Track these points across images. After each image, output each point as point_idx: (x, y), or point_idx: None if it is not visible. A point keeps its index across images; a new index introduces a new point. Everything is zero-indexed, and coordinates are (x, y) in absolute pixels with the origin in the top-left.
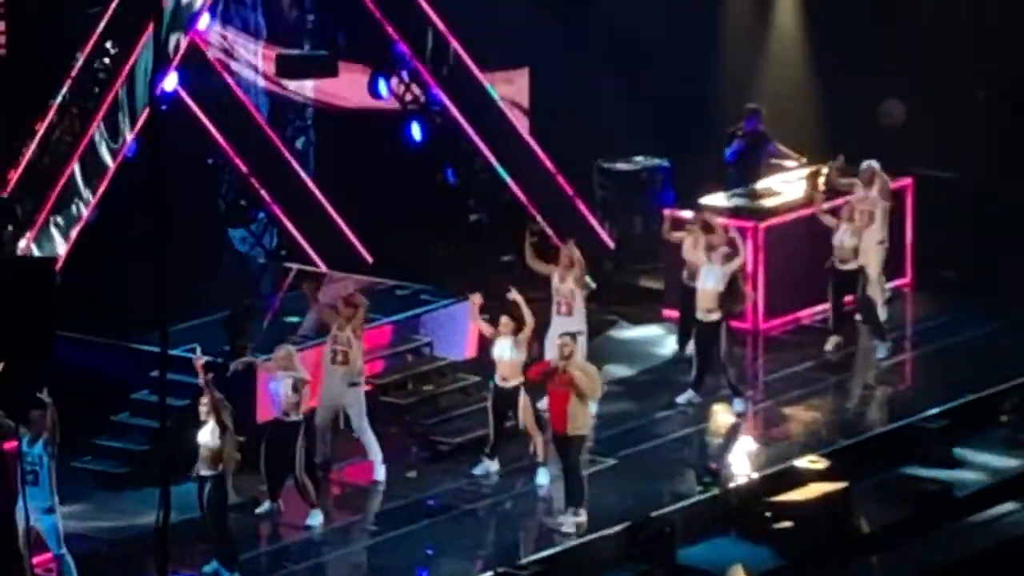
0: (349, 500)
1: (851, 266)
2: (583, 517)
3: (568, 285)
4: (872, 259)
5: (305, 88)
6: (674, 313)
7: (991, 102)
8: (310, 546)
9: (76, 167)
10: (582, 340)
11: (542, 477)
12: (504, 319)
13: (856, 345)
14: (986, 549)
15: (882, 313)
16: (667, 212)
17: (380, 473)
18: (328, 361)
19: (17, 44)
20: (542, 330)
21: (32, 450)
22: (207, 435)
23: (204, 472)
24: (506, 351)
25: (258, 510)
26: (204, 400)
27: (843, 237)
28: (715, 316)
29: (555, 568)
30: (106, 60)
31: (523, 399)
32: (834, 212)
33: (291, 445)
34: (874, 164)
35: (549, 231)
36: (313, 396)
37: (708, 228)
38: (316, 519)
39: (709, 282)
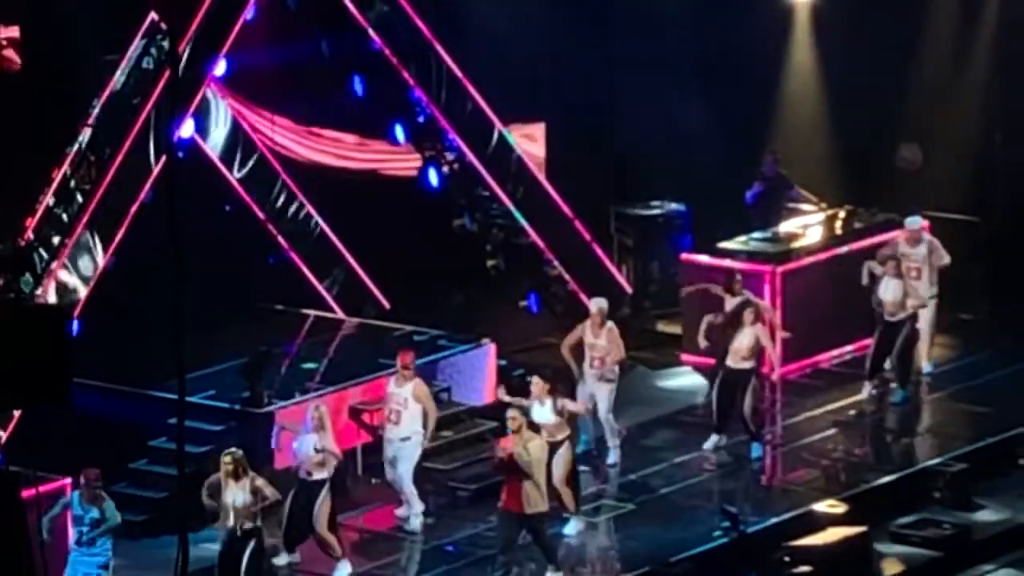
0: (367, 546)
1: (900, 317)
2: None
3: (602, 341)
4: (925, 314)
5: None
6: (692, 358)
7: (1009, 145)
8: None
9: (92, 215)
10: (612, 387)
11: (570, 528)
12: (536, 380)
13: (878, 390)
14: None
15: (924, 366)
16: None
17: (415, 524)
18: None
19: (34, 91)
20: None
21: (88, 514)
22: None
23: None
24: (546, 415)
25: (276, 560)
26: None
27: (890, 290)
28: (748, 365)
29: None
30: (123, 107)
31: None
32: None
33: (313, 503)
34: (923, 222)
35: (567, 278)
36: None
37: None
38: (344, 571)
39: (745, 340)
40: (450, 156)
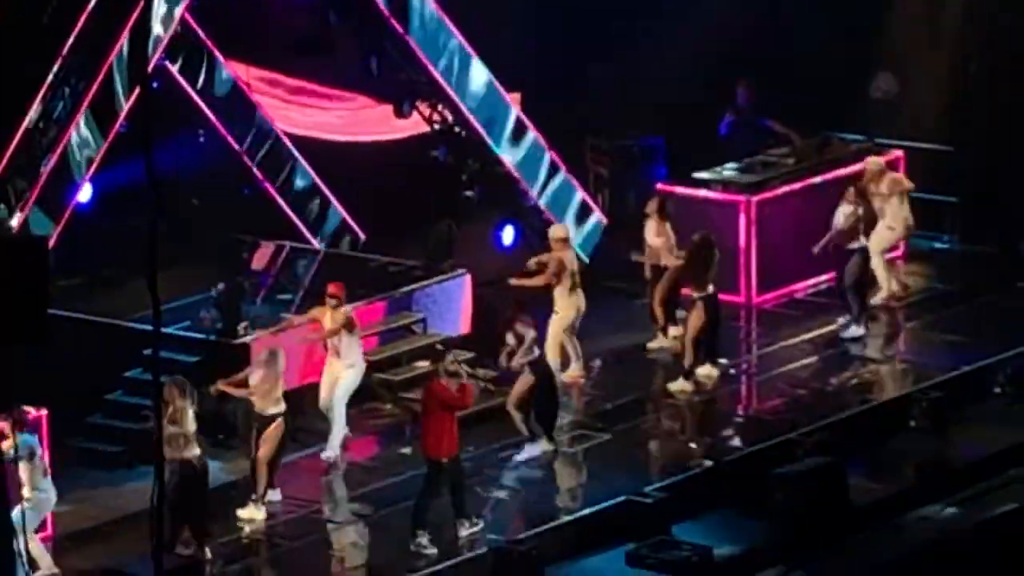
0: (346, 477)
1: (852, 246)
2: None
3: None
4: (876, 241)
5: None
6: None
7: (984, 75)
8: (305, 523)
9: (67, 145)
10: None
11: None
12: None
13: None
14: (982, 520)
15: (875, 295)
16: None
17: (330, 452)
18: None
19: (8, 20)
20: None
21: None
22: None
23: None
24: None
25: (269, 497)
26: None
27: (843, 218)
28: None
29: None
30: (97, 38)
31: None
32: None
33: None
34: (880, 162)
35: (543, 208)
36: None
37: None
38: (259, 514)
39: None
40: (425, 87)
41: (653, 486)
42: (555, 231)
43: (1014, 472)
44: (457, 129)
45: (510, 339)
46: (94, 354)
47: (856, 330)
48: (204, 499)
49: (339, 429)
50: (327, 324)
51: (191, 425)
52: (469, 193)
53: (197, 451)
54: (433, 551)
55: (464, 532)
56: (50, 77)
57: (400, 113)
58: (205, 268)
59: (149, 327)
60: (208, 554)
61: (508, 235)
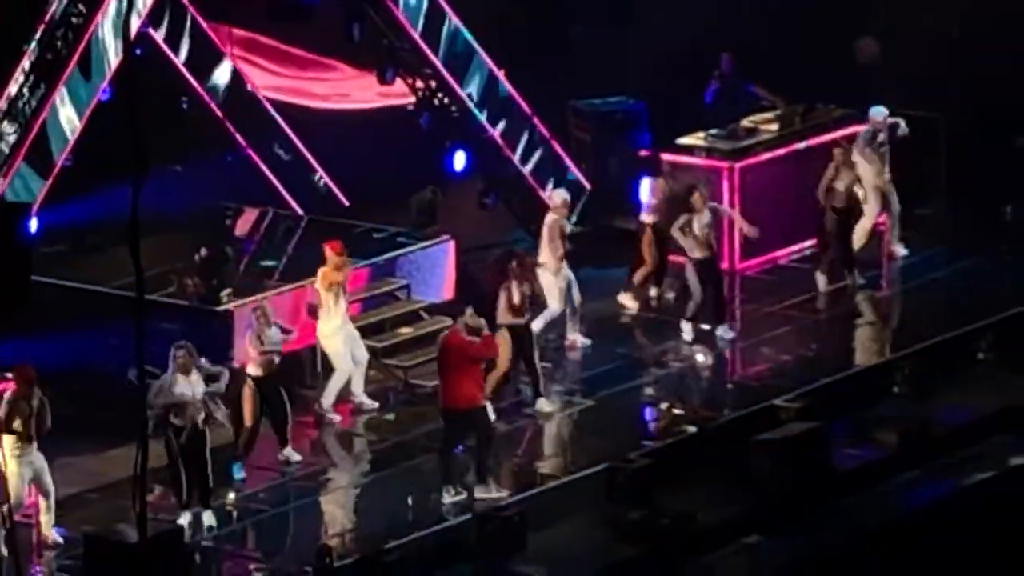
0: (330, 442)
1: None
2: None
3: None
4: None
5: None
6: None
7: (967, 40)
8: (290, 488)
9: (51, 111)
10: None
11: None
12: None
13: (835, 285)
14: (963, 487)
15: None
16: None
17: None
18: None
19: None
20: None
21: None
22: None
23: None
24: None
25: (285, 457)
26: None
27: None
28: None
29: (526, 511)
30: (80, 4)
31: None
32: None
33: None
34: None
35: (526, 174)
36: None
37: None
38: (239, 474)
39: (699, 226)
40: (406, 54)
41: (637, 452)
42: (558, 195)
43: (997, 439)
44: (441, 96)
45: (525, 290)
46: (77, 321)
47: (852, 279)
48: (205, 461)
49: (338, 381)
50: (339, 278)
51: (200, 388)
52: (487, 201)
53: (203, 415)
54: (459, 498)
55: (448, 499)
56: (33, 43)
57: (383, 80)
58: (188, 235)
59: (132, 294)
60: (211, 518)
61: (459, 160)
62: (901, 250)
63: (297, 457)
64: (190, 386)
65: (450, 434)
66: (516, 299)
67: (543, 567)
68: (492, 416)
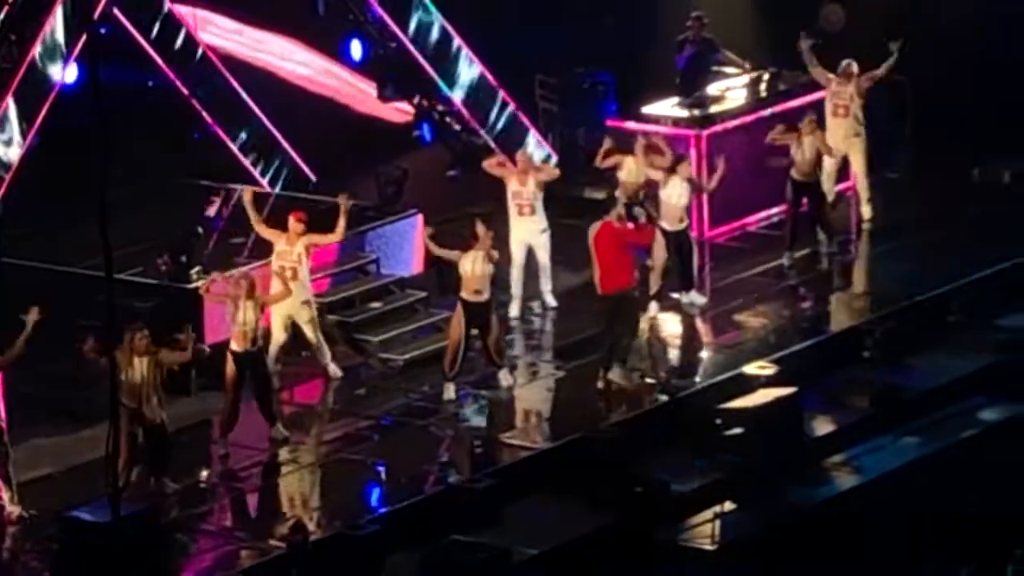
0: (299, 420)
1: (811, 180)
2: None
3: (529, 188)
4: (856, 152)
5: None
6: None
7: (934, 3)
8: (262, 465)
9: (15, 94)
10: (547, 237)
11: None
12: (481, 229)
13: (804, 251)
14: (935, 451)
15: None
16: (607, 141)
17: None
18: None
19: None
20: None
21: None
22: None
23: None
24: (477, 264)
25: (273, 435)
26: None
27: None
28: (685, 224)
29: (504, 482)
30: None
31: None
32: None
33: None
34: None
35: (494, 146)
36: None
37: (655, 149)
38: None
39: (675, 197)
40: (372, 27)
41: (608, 422)
42: (536, 155)
43: (969, 402)
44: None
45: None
46: (47, 301)
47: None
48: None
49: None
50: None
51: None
52: (452, 172)
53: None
54: (625, 384)
55: (505, 382)
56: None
57: (383, 96)
58: (157, 213)
59: (101, 273)
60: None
61: (356, 49)
62: (868, 212)
63: (286, 433)
64: (138, 370)
65: (607, 318)
66: (478, 270)
67: (517, 539)
68: (507, 382)
